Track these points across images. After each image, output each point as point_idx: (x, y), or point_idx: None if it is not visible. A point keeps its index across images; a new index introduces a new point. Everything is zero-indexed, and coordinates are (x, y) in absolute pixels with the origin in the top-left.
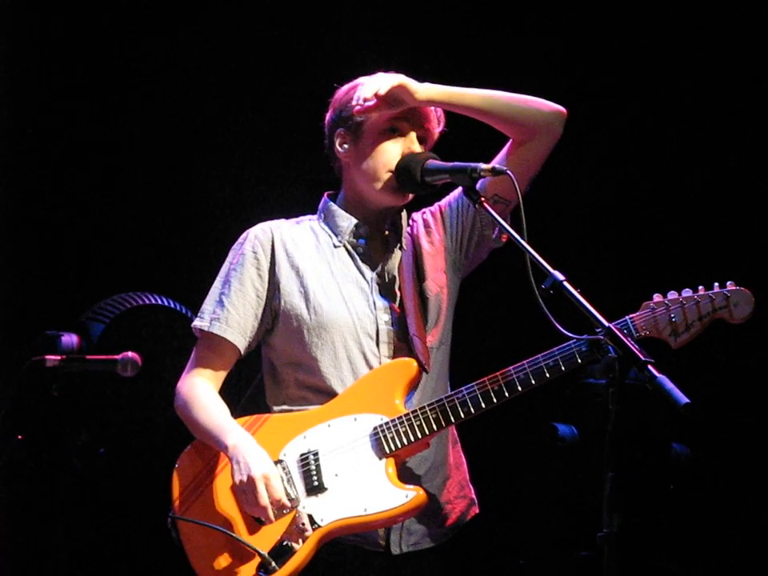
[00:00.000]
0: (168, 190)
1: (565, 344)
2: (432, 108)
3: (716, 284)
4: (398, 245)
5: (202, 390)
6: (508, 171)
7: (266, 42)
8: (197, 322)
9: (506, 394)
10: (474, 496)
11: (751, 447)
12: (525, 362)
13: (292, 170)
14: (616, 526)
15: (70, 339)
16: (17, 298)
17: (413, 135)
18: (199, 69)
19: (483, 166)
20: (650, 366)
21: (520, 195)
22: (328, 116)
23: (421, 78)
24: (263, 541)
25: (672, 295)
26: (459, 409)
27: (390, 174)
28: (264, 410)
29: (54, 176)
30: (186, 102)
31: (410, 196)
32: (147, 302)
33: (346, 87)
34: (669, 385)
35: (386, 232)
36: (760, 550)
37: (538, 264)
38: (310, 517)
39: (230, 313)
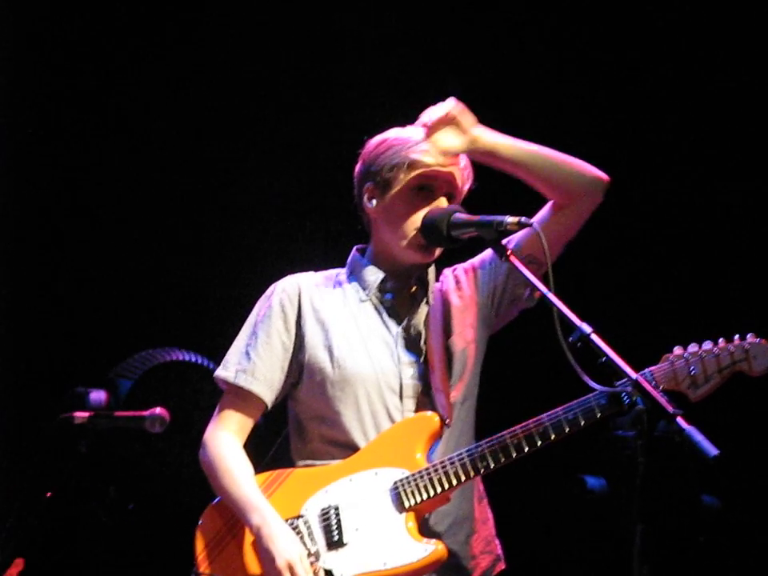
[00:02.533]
0: (196, 247)
1: (584, 397)
2: (460, 165)
3: (736, 336)
4: (425, 299)
5: (227, 451)
6: (534, 224)
7: (295, 90)
8: (220, 372)
9: (525, 448)
10: (500, 552)
11: None
12: (544, 415)
13: (320, 224)
14: None
15: (98, 396)
16: (45, 354)
17: (441, 192)
18: (228, 117)
19: (509, 219)
20: (678, 418)
21: (547, 251)
22: (357, 169)
23: None
24: None
25: (692, 348)
26: (478, 463)
27: (417, 231)
28: (288, 465)
29: (83, 232)
30: (211, 152)
31: (437, 252)
32: (175, 358)
33: (376, 140)
34: (698, 436)
35: (414, 287)
36: None
37: (565, 317)
38: (330, 572)
39: (257, 365)
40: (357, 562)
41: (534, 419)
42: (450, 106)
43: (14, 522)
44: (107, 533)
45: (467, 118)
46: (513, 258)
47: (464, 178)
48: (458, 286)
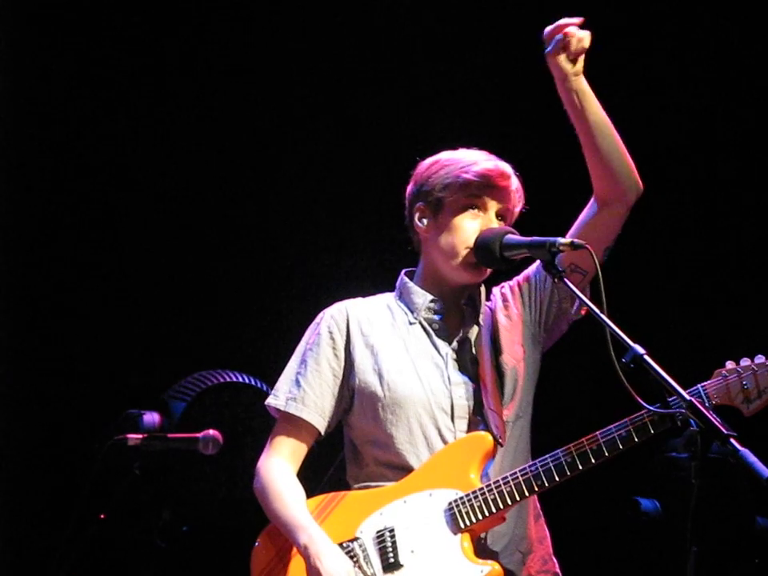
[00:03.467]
0: (247, 270)
1: (636, 414)
2: (512, 187)
3: None
4: (476, 320)
5: (278, 475)
6: (587, 246)
7: (347, 114)
8: (271, 401)
9: (579, 466)
10: (558, 570)
11: None
12: (597, 432)
13: (370, 248)
14: None
15: (151, 418)
16: (98, 377)
17: (492, 213)
18: (282, 143)
19: (562, 240)
20: (732, 440)
21: (599, 267)
22: (409, 189)
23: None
24: None
25: (744, 362)
26: (533, 482)
27: (468, 250)
28: (344, 488)
29: (138, 256)
30: (261, 185)
31: (488, 272)
32: (228, 379)
33: (428, 161)
34: (751, 458)
35: (463, 307)
36: None
37: (618, 337)
38: None
39: (306, 393)
40: None
41: (588, 436)
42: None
43: (68, 543)
44: (161, 555)
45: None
46: (566, 280)
47: (515, 199)
48: (505, 304)
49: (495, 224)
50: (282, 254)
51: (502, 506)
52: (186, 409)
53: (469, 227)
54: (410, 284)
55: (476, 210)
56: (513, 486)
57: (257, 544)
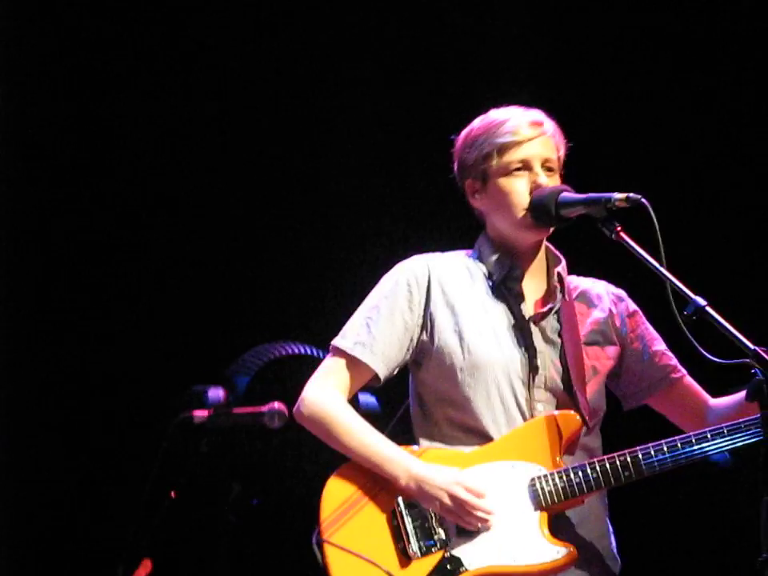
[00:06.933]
0: (312, 239)
1: (733, 423)
2: (548, 132)
3: None
4: (561, 295)
5: (342, 406)
6: (643, 200)
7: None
8: (338, 342)
9: (669, 465)
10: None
11: None
12: (691, 434)
13: (439, 208)
14: None
15: (216, 393)
16: (161, 353)
17: (537, 166)
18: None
19: (617, 195)
20: None
21: (655, 221)
22: (455, 169)
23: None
24: None
25: None
26: (620, 472)
27: (525, 211)
28: (410, 443)
29: (192, 233)
30: (335, 144)
31: (551, 229)
32: (291, 352)
33: (462, 135)
34: None
35: (543, 277)
36: None
37: (679, 291)
38: (458, 559)
39: (376, 340)
40: (486, 554)
41: (681, 436)
42: None
43: (140, 523)
44: (233, 530)
45: None
46: (623, 235)
47: (556, 144)
48: (613, 317)
49: (544, 178)
50: (350, 225)
51: (585, 491)
52: (249, 383)
53: (519, 189)
54: (490, 247)
55: (521, 170)
56: (600, 473)
57: (325, 488)
